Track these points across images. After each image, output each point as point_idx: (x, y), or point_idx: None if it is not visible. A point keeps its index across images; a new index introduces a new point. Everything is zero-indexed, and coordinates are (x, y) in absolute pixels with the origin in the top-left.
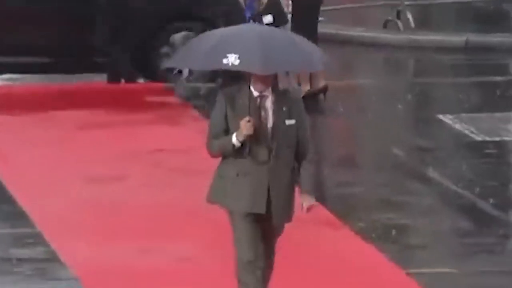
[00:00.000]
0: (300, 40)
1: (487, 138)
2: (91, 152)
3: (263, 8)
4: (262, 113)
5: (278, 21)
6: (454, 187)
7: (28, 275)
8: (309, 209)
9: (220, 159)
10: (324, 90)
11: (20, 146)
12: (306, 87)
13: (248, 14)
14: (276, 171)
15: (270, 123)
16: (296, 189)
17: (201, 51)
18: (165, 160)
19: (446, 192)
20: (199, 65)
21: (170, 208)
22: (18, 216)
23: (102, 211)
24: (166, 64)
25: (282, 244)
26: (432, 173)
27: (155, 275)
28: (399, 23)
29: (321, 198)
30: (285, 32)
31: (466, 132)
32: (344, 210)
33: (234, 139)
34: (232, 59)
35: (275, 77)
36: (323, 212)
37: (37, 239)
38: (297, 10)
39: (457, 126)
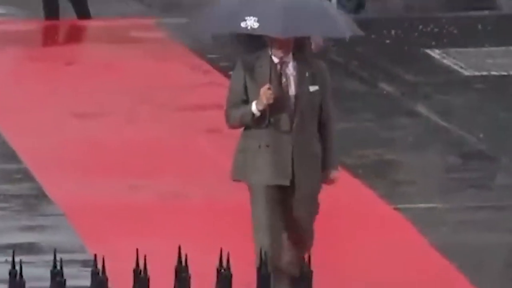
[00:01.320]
0: (328, 5)
1: (476, 73)
2: (78, 88)
3: None
4: (284, 80)
5: None
6: (442, 122)
7: (15, 211)
8: (333, 182)
9: (241, 132)
10: None
11: (6, 83)
12: None
13: None
14: (299, 141)
15: (292, 91)
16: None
17: (220, 15)
18: (153, 96)
19: (433, 127)
20: (216, 28)
21: (158, 144)
22: (5, 152)
23: (89, 147)
24: (187, 29)
25: None
26: (420, 108)
27: (141, 211)
28: None
29: None
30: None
31: (455, 67)
32: None
33: (254, 107)
34: (250, 22)
35: (296, 40)
36: None
37: (25, 175)
38: None
39: (445, 61)
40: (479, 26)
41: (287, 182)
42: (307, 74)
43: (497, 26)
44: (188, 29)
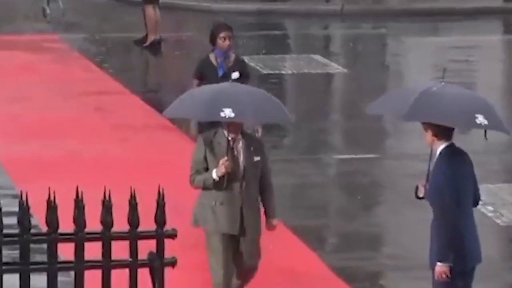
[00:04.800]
0: (271, 96)
1: (271, 72)
2: (6, 82)
3: (231, 66)
4: (235, 153)
5: (243, 77)
6: None
7: None
8: (274, 228)
9: (200, 191)
10: (161, 39)
11: None
12: (152, 37)
13: (220, 72)
14: (247, 199)
15: (241, 161)
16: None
17: (199, 105)
18: (59, 87)
19: None
20: (201, 117)
21: (63, 118)
22: None
23: (17, 121)
24: (167, 113)
25: None
26: None
27: (52, 162)
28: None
29: None
30: (260, 90)
31: (257, 67)
32: None
33: (214, 175)
34: (228, 112)
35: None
36: None
37: None
38: None
39: (252, 63)
40: (272, 41)
41: (236, 232)
42: (251, 149)
43: (283, 41)
44: (171, 113)
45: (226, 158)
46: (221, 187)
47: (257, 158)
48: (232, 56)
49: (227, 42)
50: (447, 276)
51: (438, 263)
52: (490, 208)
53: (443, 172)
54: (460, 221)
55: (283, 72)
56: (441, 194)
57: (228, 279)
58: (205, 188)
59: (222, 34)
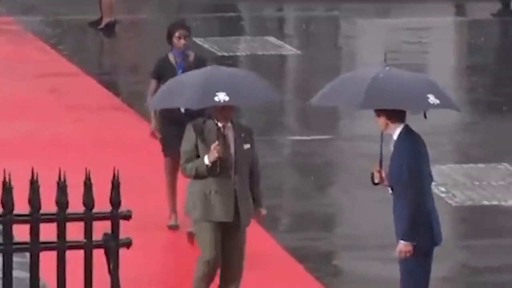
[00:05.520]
0: (260, 77)
1: (225, 54)
2: None
3: (190, 65)
4: (226, 140)
5: None
6: None
7: None
8: (261, 217)
9: (190, 180)
10: (116, 21)
11: None
12: (107, 19)
13: (179, 72)
14: (239, 186)
15: (232, 149)
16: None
17: (190, 94)
18: (14, 67)
19: None
20: (193, 104)
21: (18, 97)
22: None
23: None
24: (152, 106)
25: None
26: None
27: (7, 145)
28: None
29: None
30: (250, 72)
31: (212, 49)
32: None
33: (207, 160)
34: (222, 96)
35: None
36: None
37: None
38: None
39: (206, 45)
40: (227, 24)
41: (231, 219)
42: (242, 135)
43: (237, 23)
44: (160, 105)
45: (217, 142)
46: (215, 172)
47: (247, 146)
48: (191, 55)
49: (182, 41)
50: (411, 255)
51: (402, 242)
52: (442, 189)
53: (405, 150)
54: (425, 199)
55: (237, 54)
56: (406, 171)
57: (217, 259)
58: (197, 176)
59: (177, 34)
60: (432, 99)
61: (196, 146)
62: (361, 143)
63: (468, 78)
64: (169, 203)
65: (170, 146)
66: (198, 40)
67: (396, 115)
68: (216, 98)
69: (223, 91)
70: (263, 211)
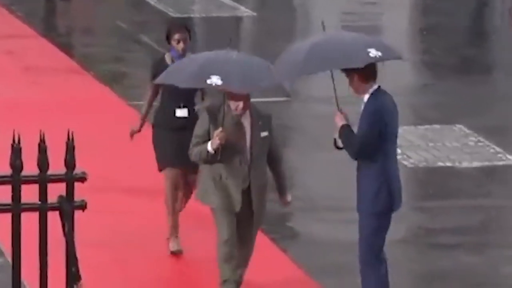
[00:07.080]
0: (268, 63)
1: (180, 15)
2: None
3: (181, 54)
4: (241, 127)
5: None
6: (160, 49)
7: None
8: (289, 203)
9: (201, 166)
10: None
11: None
12: None
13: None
14: (255, 175)
15: (248, 135)
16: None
17: (187, 71)
18: None
19: (155, 51)
20: (186, 83)
21: None
22: None
23: None
24: (157, 80)
25: None
26: (145, 38)
27: None
28: None
29: None
30: (256, 58)
31: (166, 11)
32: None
33: (209, 147)
34: (214, 80)
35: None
36: None
37: None
38: None
39: (160, 6)
40: None
41: (238, 209)
42: (260, 123)
43: None
44: (162, 81)
45: (220, 129)
46: (215, 160)
47: (264, 134)
48: None
49: (181, 45)
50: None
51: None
52: (397, 150)
53: (374, 106)
54: (391, 157)
55: (192, 15)
56: (373, 132)
57: (234, 239)
58: (203, 161)
59: (176, 36)
60: (373, 52)
61: (208, 132)
62: (316, 105)
63: (423, 40)
64: (169, 223)
65: (169, 156)
66: (152, 1)
67: (366, 73)
68: (208, 81)
69: (217, 75)
70: (289, 198)
